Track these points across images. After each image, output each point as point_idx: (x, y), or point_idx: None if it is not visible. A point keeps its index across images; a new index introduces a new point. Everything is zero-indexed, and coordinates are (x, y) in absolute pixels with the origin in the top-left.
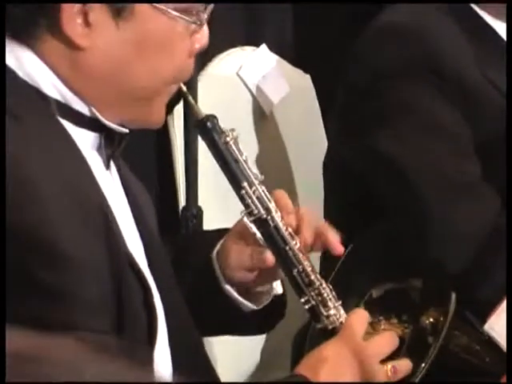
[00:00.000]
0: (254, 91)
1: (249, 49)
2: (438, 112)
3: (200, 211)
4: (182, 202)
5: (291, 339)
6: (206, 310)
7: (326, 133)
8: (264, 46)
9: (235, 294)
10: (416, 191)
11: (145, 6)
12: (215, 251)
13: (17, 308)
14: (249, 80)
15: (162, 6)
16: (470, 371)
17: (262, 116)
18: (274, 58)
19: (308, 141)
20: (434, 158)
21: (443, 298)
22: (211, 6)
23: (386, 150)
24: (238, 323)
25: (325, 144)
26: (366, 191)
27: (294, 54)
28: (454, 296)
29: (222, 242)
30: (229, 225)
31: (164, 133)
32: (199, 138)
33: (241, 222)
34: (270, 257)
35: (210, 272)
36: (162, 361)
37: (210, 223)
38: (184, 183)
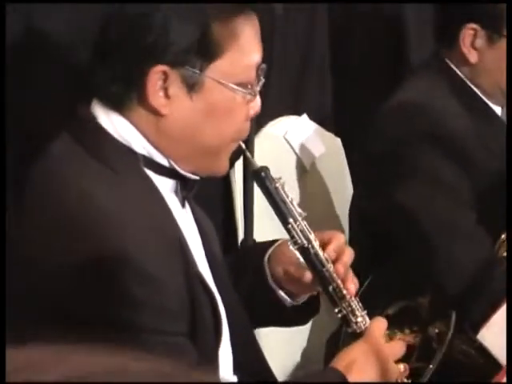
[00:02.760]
0: (297, 150)
1: (293, 117)
2: (443, 172)
3: (255, 243)
4: (241, 235)
5: (324, 344)
6: (257, 304)
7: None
8: (305, 116)
9: (280, 291)
10: (425, 235)
11: (212, 82)
12: (267, 256)
13: (113, 316)
14: (293, 141)
15: (224, 81)
16: (466, 370)
17: (303, 170)
18: (313, 124)
19: (338, 191)
20: (440, 208)
21: (446, 315)
22: (262, 81)
23: (401, 202)
24: (282, 316)
25: (349, 190)
26: (383, 234)
27: (328, 121)
28: (454, 314)
29: (273, 248)
30: None
31: (227, 183)
32: (255, 187)
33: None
34: (308, 275)
35: (262, 273)
36: (225, 356)
37: None
38: (243, 222)
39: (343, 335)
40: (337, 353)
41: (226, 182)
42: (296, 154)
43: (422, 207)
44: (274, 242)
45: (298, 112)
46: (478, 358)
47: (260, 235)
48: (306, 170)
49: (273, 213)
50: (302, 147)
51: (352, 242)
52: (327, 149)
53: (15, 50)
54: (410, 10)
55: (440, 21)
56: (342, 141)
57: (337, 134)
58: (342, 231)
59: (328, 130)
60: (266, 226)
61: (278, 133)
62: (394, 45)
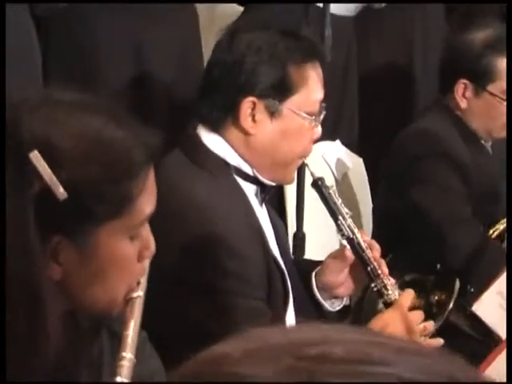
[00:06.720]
0: (332, 166)
1: (329, 142)
2: (450, 180)
3: (304, 235)
4: (291, 229)
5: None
6: (306, 307)
7: (371, 192)
8: (338, 141)
9: (321, 298)
10: (436, 224)
11: (288, 111)
12: (315, 271)
13: (212, 284)
14: (329, 160)
15: (297, 111)
16: (461, 333)
17: (336, 181)
18: (343, 147)
19: (361, 197)
20: (447, 206)
21: (448, 286)
22: (324, 113)
23: (419, 202)
24: (322, 316)
25: (368, 199)
26: (401, 225)
27: (354, 146)
28: (457, 281)
29: (318, 268)
30: (320, 241)
31: (280, 189)
32: (305, 192)
33: (333, 252)
34: (349, 253)
35: (310, 283)
36: (290, 322)
37: (310, 242)
38: (293, 219)
39: (365, 303)
40: (360, 314)
41: (279, 188)
42: (331, 168)
43: (435, 205)
44: (318, 262)
45: (333, 139)
46: (469, 324)
47: (308, 229)
48: (338, 181)
49: (317, 212)
50: (335, 164)
51: (375, 233)
52: (353, 166)
53: (134, 89)
54: (418, 62)
55: (442, 76)
56: (363, 160)
57: (360, 155)
58: (361, 226)
59: (353, 152)
60: (313, 222)
61: (318, 153)
62: (404, 90)
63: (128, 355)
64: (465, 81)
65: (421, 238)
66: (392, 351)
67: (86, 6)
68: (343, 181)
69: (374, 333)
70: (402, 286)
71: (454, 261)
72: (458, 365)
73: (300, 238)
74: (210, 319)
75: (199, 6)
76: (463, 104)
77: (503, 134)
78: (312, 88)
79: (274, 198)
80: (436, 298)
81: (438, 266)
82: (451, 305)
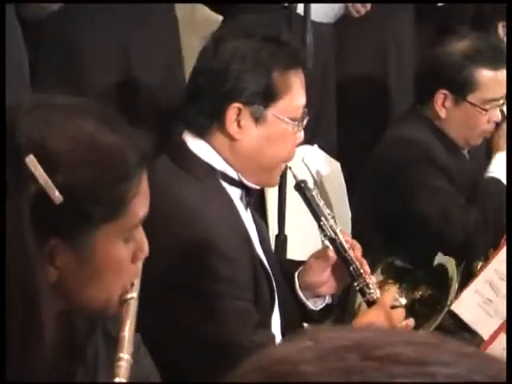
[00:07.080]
0: (311, 170)
1: (308, 147)
2: (438, 182)
3: (285, 237)
4: (276, 231)
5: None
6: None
7: (348, 195)
8: (316, 146)
9: (304, 298)
10: (428, 222)
11: (272, 117)
12: (298, 271)
13: (201, 287)
14: (309, 163)
15: (281, 116)
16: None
17: (315, 184)
18: (321, 152)
19: (337, 199)
20: (439, 206)
21: (439, 284)
22: (307, 118)
23: (412, 208)
24: (305, 314)
25: (346, 202)
26: (392, 227)
27: (331, 150)
28: (455, 284)
29: (300, 268)
30: (301, 243)
31: (262, 193)
32: (287, 197)
33: (315, 252)
34: (331, 253)
35: (293, 283)
36: (276, 321)
37: (292, 244)
38: (274, 221)
39: (350, 297)
40: (344, 313)
41: (261, 191)
42: (310, 172)
43: (428, 208)
44: (301, 262)
45: (311, 143)
46: (450, 321)
47: (290, 232)
48: (317, 184)
49: (299, 214)
50: (314, 168)
51: (356, 235)
52: (330, 169)
53: (122, 93)
54: (393, 68)
55: (420, 86)
56: (341, 164)
57: (338, 160)
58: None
59: (332, 156)
60: (293, 224)
61: (298, 158)
62: (381, 95)
63: (125, 356)
64: (444, 91)
65: (419, 237)
66: (450, 353)
67: (74, 9)
68: (322, 184)
69: (430, 336)
70: (388, 269)
71: (454, 247)
72: (503, 365)
73: (282, 240)
74: (201, 321)
75: (178, 8)
76: (442, 114)
77: (479, 141)
78: (295, 94)
79: (255, 201)
80: (420, 293)
81: (435, 262)
82: (446, 309)
